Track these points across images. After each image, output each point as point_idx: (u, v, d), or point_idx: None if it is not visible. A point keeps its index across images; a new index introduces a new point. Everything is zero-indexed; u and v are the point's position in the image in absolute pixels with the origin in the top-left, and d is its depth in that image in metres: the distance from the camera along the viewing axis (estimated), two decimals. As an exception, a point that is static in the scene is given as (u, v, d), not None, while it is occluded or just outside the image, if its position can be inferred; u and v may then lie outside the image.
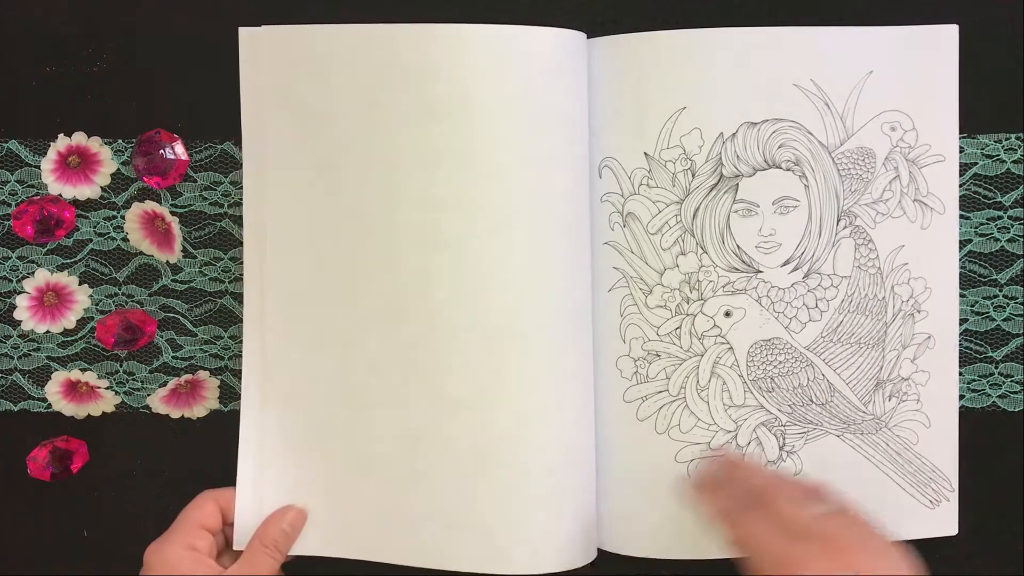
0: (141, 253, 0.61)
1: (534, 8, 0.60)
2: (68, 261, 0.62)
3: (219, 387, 0.62)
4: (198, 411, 0.62)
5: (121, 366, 0.62)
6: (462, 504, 0.56)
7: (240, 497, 0.57)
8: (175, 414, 0.62)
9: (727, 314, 0.57)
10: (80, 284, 0.61)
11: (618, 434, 0.58)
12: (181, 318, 0.62)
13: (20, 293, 0.61)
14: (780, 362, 0.57)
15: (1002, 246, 0.60)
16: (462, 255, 0.55)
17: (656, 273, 0.57)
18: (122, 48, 0.61)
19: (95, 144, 0.60)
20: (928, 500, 0.58)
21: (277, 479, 0.57)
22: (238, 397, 0.61)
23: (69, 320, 0.61)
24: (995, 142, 0.59)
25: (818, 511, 0.48)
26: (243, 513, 0.57)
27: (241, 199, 0.60)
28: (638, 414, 0.57)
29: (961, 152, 0.59)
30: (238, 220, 0.61)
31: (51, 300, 0.61)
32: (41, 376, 0.62)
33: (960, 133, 0.58)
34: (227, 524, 0.57)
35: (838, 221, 0.57)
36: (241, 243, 0.60)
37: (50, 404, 0.62)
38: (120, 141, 0.61)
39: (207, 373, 0.62)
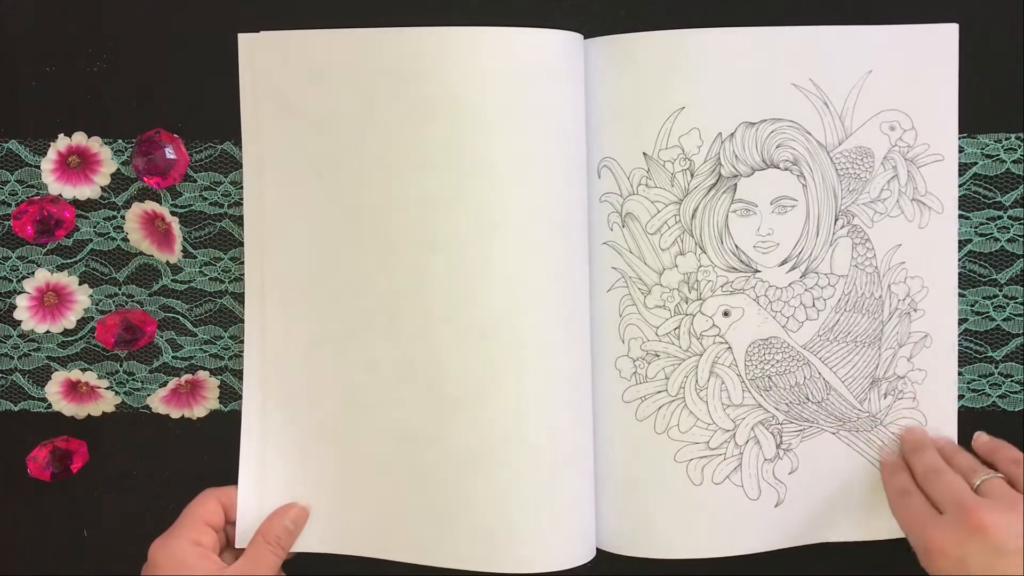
0: (141, 253, 0.61)
1: (532, 10, 0.60)
2: (68, 261, 0.62)
3: (219, 387, 0.62)
4: (198, 411, 0.62)
5: (121, 366, 0.62)
6: (461, 502, 0.56)
7: (242, 495, 0.57)
8: (175, 414, 0.62)
9: (725, 314, 0.57)
10: (80, 284, 0.62)
11: (617, 434, 0.58)
12: (181, 318, 0.62)
13: (20, 293, 0.61)
14: (777, 361, 0.57)
15: (1002, 246, 0.60)
16: (457, 255, 0.55)
17: (655, 273, 0.57)
18: (122, 48, 0.61)
19: (95, 144, 0.61)
20: None
21: (278, 477, 0.58)
22: (238, 397, 0.61)
23: (69, 320, 0.62)
24: (995, 142, 0.59)
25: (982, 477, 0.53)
26: (245, 511, 0.57)
27: (241, 199, 0.60)
28: (637, 414, 0.57)
29: (961, 152, 0.59)
30: (238, 220, 0.61)
31: (51, 300, 0.61)
32: (41, 376, 0.62)
33: (960, 133, 0.58)
34: (229, 522, 0.58)
35: (836, 220, 0.57)
36: (241, 243, 0.60)
37: (50, 404, 0.62)
38: (120, 141, 0.61)
39: (207, 373, 0.62)
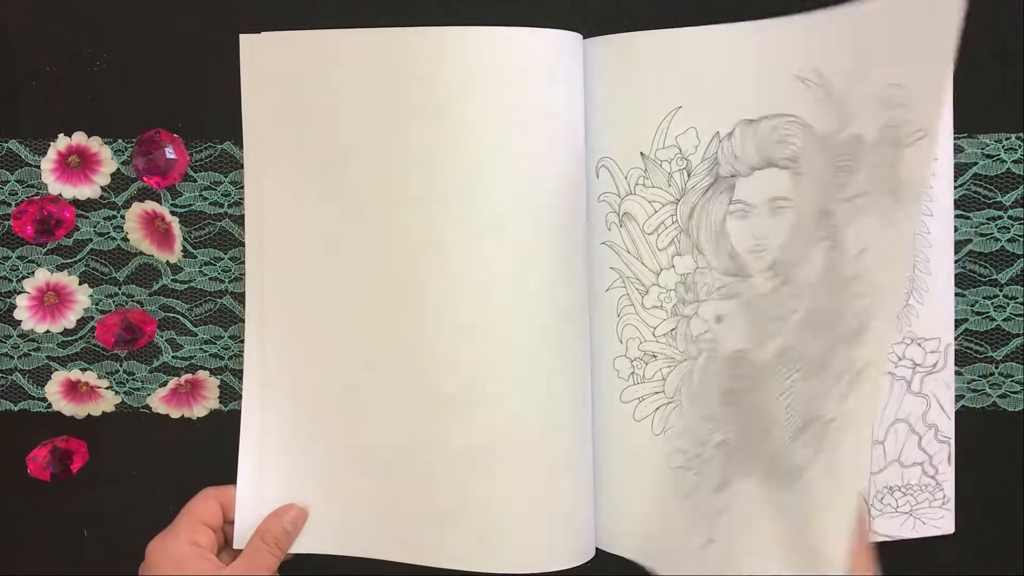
0: (141, 253, 0.61)
1: (530, 10, 0.60)
2: (68, 261, 0.62)
3: (219, 387, 0.62)
4: (198, 411, 0.62)
5: (121, 366, 0.62)
6: (459, 502, 0.56)
7: (241, 495, 0.57)
8: (175, 414, 0.62)
9: (718, 319, 0.56)
10: (80, 284, 0.62)
11: (615, 434, 0.58)
12: (181, 318, 0.62)
13: (20, 293, 0.61)
14: (743, 377, 0.53)
15: (1002, 246, 0.60)
16: (457, 255, 0.55)
17: (652, 273, 0.57)
18: (122, 48, 0.61)
19: (95, 144, 0.61)
20: None
21: (277, 477, 0.58)
22: (238, 397, 0.61)
23: (69, 320, 0.62)
24: (995, 142, 0.59)
25: None
26: (244, 511, 0.57)
27: (241, 199, 0.60)
28: (635, 414, 0.57)
29: (961, 152, 0.59)
30: (238, 220, 0.61)
31: (51, 300, 0.62)
32: (41, 376, 0.62)
33: (960, 133, 0.58)
34: (227, 522, 0.58)
35: (819, 220, 0.54)
36: (241, 243, 0.60)
37: (50, 404, 0.62)
38: (120, 141, 0.61)
39: (207, 373, 0.62)
